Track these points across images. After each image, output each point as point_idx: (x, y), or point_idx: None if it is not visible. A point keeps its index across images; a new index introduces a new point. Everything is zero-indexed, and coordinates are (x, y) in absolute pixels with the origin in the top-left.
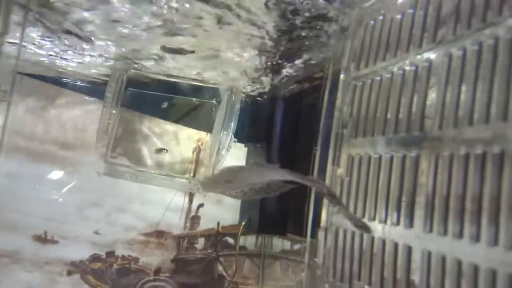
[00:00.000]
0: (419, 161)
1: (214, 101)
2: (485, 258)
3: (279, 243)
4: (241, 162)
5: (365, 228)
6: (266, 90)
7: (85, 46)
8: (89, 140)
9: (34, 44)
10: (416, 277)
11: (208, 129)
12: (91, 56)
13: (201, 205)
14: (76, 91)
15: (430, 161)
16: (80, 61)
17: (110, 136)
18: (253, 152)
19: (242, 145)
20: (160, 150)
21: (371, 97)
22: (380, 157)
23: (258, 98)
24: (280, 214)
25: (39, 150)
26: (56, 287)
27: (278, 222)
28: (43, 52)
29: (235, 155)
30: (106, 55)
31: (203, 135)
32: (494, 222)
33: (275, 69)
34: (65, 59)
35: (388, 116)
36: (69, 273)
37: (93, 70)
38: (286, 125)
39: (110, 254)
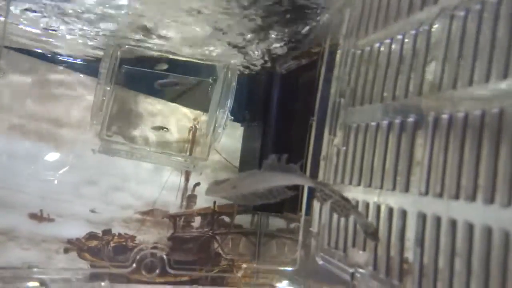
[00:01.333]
0: (417, 126)
1: (210, 80)
2: (481, 216)
3: (275, 222)
4: (238, 141)
5: (375, 237)
6: (262, 66)
7: (75, 19)
8: (84, 118)
9: (21, 17)
10: (410, 240)
11: (204, 108)
12: (82, 30)
13: (197, 184)
14: (69, 68)
15: (428, 125)
16: (72, 36)
17: (105, 113)
18: (250, 131)
19: (239, 124)
20: (159, 128)
21: (370, 64)
22: (378, 125)
23: (255, 75)
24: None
25: (33, 128)
26: (53, 264)
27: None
28: (32, 27)
29: (231, 134)
30: (98, 30)
31: (199, 114)
32: (491, 181)
33: (269, 42)
34: (56, 34)
35: (387, 82)
36: (66, 250)
37: (85, 46)
38: (283, 103)
39: (107, 232)
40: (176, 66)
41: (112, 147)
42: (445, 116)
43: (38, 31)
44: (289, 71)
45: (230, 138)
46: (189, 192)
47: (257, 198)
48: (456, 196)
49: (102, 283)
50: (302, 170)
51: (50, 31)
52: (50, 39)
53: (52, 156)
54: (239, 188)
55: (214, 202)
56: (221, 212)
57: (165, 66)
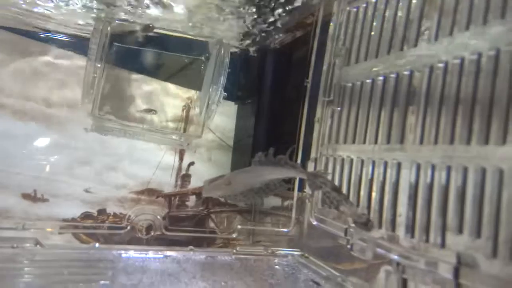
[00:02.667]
0: (413, 75)
1: (203, 58)
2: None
3: (270, 200)
4: (232, 120)
5: (367, 226)
6: (255, 41)
7: None
8: (75, 97)
9: None
10: (404, 192)
11: (197, 86)
12: (70, 4)
13: (191, 164)
14: (58, 46)
15: (424, 74)
16: (60, 11)
17: (97, 91)
18: (244, 109)
19: (233, 103)
20: (148, 111)
21: (366, 20)
22: (373, 81)
23: (247, 52)
24: None
25: (24, 108)
26: (43, 252)
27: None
28: (19, 2)
29: (225, 113)
30: (86, 2)
31: (192, 92)
32: (485, 122)
33: (261, 14)
34: (43, 9)
35: (383, 35)
36: (61, 229)
37: (74, 22)
38: (277, 79)
39: (102, 212)
40: (168, 44)
41: (105, 125)
42: (440, 65)
43: (25, 6)
44: (282, 45)
45: (224, 117)
46: (183, 172)
47: (255, 194)
48: (451, 142)
49: (97, 244)
50: (292, 158)
51: (37, 7)
52: (38, 15)
53: (45, 136)
54: (234, 185)
55: None
56: None
57: (152, 30)
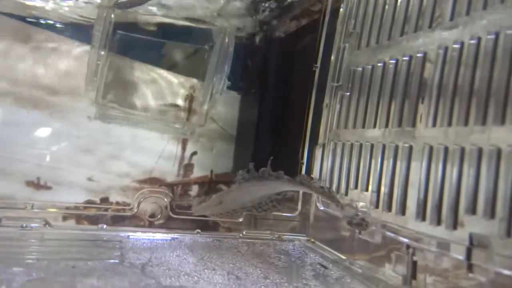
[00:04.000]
0: (426, 57)
1: (207, 47)
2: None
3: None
4: (235, 110)
5: (362, 226)
6: (260, 30)
7: None
8: (78, 85)
9: None
10: (415, 175)
11: (201, 76)
12: None
13: (194, 153)
14: (62, 34)
15: (438, 56)
16: None
17: (100, 79)
18: (247, 99)
19: (236, 93)
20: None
21: (378, 3)
22: (385, 65)
23: (252, 40)
24: (274, 160)
25: (27, 95)
26: (52, 232)
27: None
28: None
29: (228, 102)
30: None
31: (195, 82)
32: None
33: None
34: None
35: (396, 17)
36: (64, 218)
37: (78, 10)
38: (281, 68)
39: (104, 200)
40: (172, 32)
41: (108, 113)
42: (456, 46)
43: None
44: (287, 34)
45: (227, 106)
46: (186, 161)
47: (246, 211)
48: (465, 123)
49: (104, 226)
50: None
51: None
52: (40, 2)
53: (47, 124)
54: (225, 204)
55: (211, 171)
56: (218, 181)
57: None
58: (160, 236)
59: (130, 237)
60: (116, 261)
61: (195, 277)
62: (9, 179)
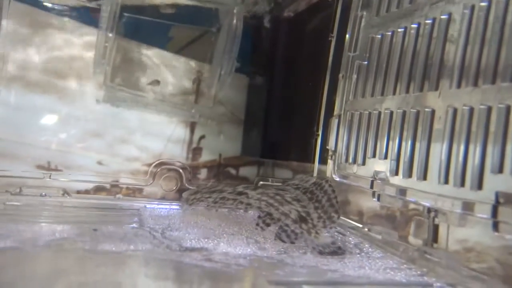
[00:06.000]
0: (451, 18)
1: (214, 29)
2: None
3: (281, 173)
4: (243, 93)
5: (338, 253)
6: (269, 10)
7: None
8: (86, 69)
9: None
10: (438, 139)
11: (208, 59)
12: None
13: (202, 137)
14: (69, 18)
15: (464, 16)
16: None
17: (108, 62)
18: (256, 81)
19: (244, 75)
20: (155, 82)
21: None
22: (406, 29)
23: (260, 21)
24: (284, 141)
25: (35, 80)
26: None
27: (282, 150)
28: None
29: (236, 85)
30: None
31: (202, 65)
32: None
33: None
34: None
35: None
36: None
37: None
38: (290, 49)
39: (115, 184)
40: (179, 14)
41: (117, 95)
42: (483, 4)
43: None
44: (297, 13)
45: (235, 90)
46: (194, 145)
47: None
48: (493, 81)
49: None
50: None
51: None
52: None
53: (57, 108)
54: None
55: (220, 155)
56: (226, 164)
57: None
58: (176, 206)
59: (147, 206)
60: (136, 226)
61: (215, 241)
62: (21, 162)
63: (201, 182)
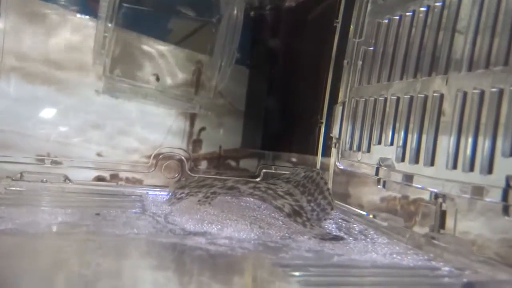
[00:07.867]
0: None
1: (214, 20)
2: None
3: (281, 164)
4: (243, 84)
5: (337, 239)
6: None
7: None
8: (85, 60)
9: None
10: (446, 124)
11: (209, 50)
12: None
13: (202, 129)
14: (68, 9)
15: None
16: None
17: (108, 52)
18: (256, 73)
19: (244, 67)
20: (155, 77)
21: None
22: (414, 13)
23: (261, 12)
24: (285, 132)
25: (35, 71)
26: (72, 186)
27: (283, 141)
28: None
29: (236, 77)
30: None
31: (202, 56)
32: None
33: None
34: None
35: None
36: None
37: None
38: (291, 40)
39: (114, 175)
40: (178, 5)
41: (116, 86)
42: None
43: None
44: (298, 2)
45: (235, 81)
46: (194, 137)
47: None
48: (505, 63)
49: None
50: None
51: None
52: None
53: (56, 100)
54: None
55: (220, 146)
56: (227, 156)
57: None
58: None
59: (149, 193)
60: (138, 211)
61: (219, 225)
62: (20, 154)
63: (202, 174)
